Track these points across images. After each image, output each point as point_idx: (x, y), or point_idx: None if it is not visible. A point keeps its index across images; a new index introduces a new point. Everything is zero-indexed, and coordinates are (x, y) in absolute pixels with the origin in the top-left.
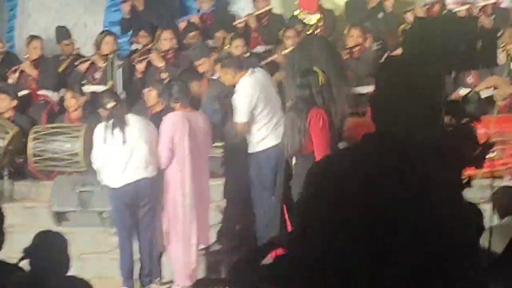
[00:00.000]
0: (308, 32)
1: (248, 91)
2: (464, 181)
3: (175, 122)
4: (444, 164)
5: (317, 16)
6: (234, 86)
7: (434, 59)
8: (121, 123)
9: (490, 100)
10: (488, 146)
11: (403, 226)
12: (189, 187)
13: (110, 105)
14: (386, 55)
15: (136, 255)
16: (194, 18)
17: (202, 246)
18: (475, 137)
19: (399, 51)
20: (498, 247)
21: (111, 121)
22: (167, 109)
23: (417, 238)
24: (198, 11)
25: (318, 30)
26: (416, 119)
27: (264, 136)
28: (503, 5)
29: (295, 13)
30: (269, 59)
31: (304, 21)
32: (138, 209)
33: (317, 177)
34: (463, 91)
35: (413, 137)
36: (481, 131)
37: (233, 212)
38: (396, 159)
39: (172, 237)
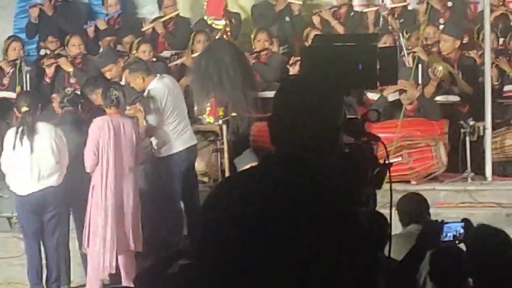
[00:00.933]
0: (216, 37)
1: (157, 94)
2: (363, 200)
3: (100, 126)
4: (341, 185)
5: (223, 21)
6: (143, 91)
7: (332, 78)
8: (30, 131)
9: (397, 104)
10: (387, 166)
11: (299, 247)
12: (111, 192)
13: (24, 109)
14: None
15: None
16: (101, 23)
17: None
18: (374, 157)
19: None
20: (400, 255)
21: (21, 128)
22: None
23: (314, 258)
24: (106, 15)
25: (225, 35)
26: (314, 140)
27: (171, 141)
28: (410, 7)
29: (204, 18)
30: (178, 61)
31: (212, 26)
32: (44, 215)
33: (215, 197)
34: (371, 96)
35: (310, 158)
36: (389, 135)
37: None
38: (293, 181)
39: (91, 240)
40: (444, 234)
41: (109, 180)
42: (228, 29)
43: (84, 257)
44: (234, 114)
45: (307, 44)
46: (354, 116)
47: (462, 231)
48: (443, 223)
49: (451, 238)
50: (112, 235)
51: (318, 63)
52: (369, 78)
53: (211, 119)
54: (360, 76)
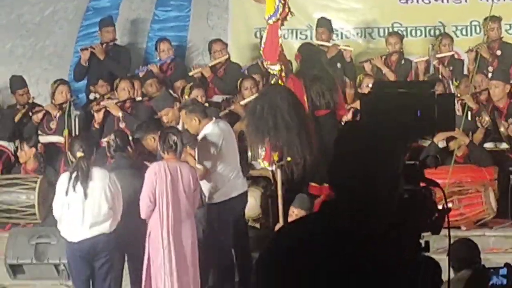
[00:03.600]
0: (272, 82)
1: (213, 138)
2: (422, 246)
3: (157, 171)
4: (401, 231)
5: (278, 66)
6: (197, 133)
7: (394, 125)
8: (84, 177)
9: (447, 150)
10: (446, 211)
11: None
12: (168, 240)
13: (79, 154)
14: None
15: None
16: (153, 67)
17: None
18: (433, 202)
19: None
20: None
21: (75, 173)
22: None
23: None
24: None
25: (280, 80)
26: (375, 187)
27: (224, 187)
28: (456, 56)
29: (258, 62)
30: (227, 109)
31: (268, 70)
32: (95, 262)
33: (275, 244)
34: (421, 142)
35: (371, 206)
36: (439, 181)
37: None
38: (353, 229)
39: None
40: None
41: (169, 226)
42: (283, 74)
43: None
44: (289, 159)
45: (359, 91)
46: (412, 162)
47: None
48: (490, 269)
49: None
50: (177, 282)
51: (378, 110)
52: (427, 125)
53: (265, 164)
54: (419, 123)
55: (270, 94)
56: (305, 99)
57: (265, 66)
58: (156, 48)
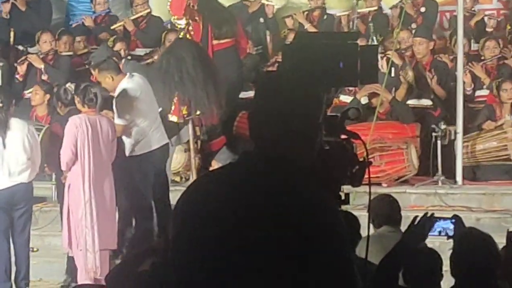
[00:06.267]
0: (180, 36)
1: (129, 92)
2: (342, 198)
3: (78, 125)
4: (320, 183)
5: (184, 21)
6: (114, 90)
7: (313, 75)
8: (3, 127)
9: (369, 107)
10: (366, 164)
11: (275, 246)
12: (89, 192)
13: None
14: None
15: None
16: (87, 20)
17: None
18: (353, 154)
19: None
20: (373, 257)
21: None
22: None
23: (289, 255)
24: (94, 13)
25: (187, 35)
26: (294, 137)
27: (143, 140)
28: (382, 12)
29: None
30: (149, 60)
31: (176, 25)
32: (14, 212)
33: (190, 195)
34: (344, 98)
35: (289, 155)
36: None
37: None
38: (271, 177)
39: (73, 241)
40: (432, 230)
41: (90, 178)
42: (190, 28)
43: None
44: (198, 112)
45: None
46: (334, 114)
47: (450, 227)
48: (434, 218)
49: (437, 234)
50: (98, 235)
51: (300, 60)
52: (350, 75)
53: (175, 118)
54: (341, 74)
55: (175, 49)
56: (201, 28)
57: (171, 20)
58: (91, 1)
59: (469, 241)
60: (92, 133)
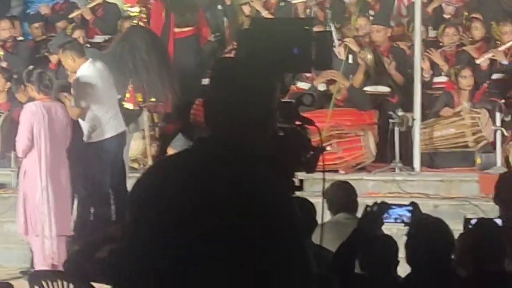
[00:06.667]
0: (133, 23)
1: (89, 78)
2: (295, 184)
3: (34, 112)
4: (274, 169)
5: (137, 8)
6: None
7: (268, 62)
8: None
9: (327, 94)
10: (320, 150)
11: (229, 232)
12: (46, 179)
13: None
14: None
15: None
16: (44, 7)
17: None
18: (308, 140)
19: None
20: (330, 244)
21: None
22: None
23: (244, 241)
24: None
25: (140, 22)
26: (248, 123)
27: (101, 127)
28: None
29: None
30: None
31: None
32: None
33: (145, 180)
34: (301, 85)
35: (244, 141)
36: (318, 125)
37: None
38: (226, 164)
39: (29, 227)
40: (388, 216)
41: (47, 164)
42: (143, 15)
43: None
44: (153, 99)
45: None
46: (288, 100)
47: (406, 214)
48: (387, 204)
49: (393, 221)
50: (50, 223)
51: (254, 46)
52: (304, 61)
53: (130, 106)
54: (296, 60)
55: (129, 36)
56: (163, 16)
57: (125, 8)
58: None
59: (422, 228)
60: (48, 120)
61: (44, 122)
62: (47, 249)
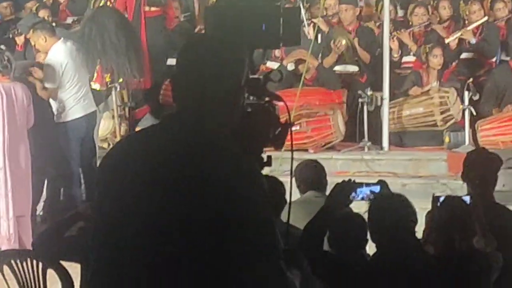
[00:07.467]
0: (101, 4)
1: (59, 58)
2: (264, 160)
3: None
4: (242, 144)
5: None
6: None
7: (235, 38)
8: None
9: (296, 73)
10: (288, 126)
11: (196, 205)
12: (3, 160)
13: None
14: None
15: None
16: None
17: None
18: (276, 117)
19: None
20: (299, 222)
21: None
22: None
23: (211, 217)
24: None
25: (109, 2)
26: (215, 99)
27: (71, 107)
28: None
29: None
30: (77, 28)
31: None
32: None
33: (112, 157)
34: (270, 64)
35: (211, 117)
36: (286, 102)
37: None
38: (193, 139)
39: None
40: (356, 195)
41: (5, 145)
42: None
43: None
44: (121, 80)
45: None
46: (256, 76)
47: (375, 192)
48: (355, 183)
49: (360, 199)
50: (12, 202)
51: (222, 22)
52: (272, 38)
53: (97, 86)
54: (264, 36)
55: (97, 17)
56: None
57: None
58: None
59: (381, 204)
60: (7, 101)
61: (1, 103)
62: (4, 230)
